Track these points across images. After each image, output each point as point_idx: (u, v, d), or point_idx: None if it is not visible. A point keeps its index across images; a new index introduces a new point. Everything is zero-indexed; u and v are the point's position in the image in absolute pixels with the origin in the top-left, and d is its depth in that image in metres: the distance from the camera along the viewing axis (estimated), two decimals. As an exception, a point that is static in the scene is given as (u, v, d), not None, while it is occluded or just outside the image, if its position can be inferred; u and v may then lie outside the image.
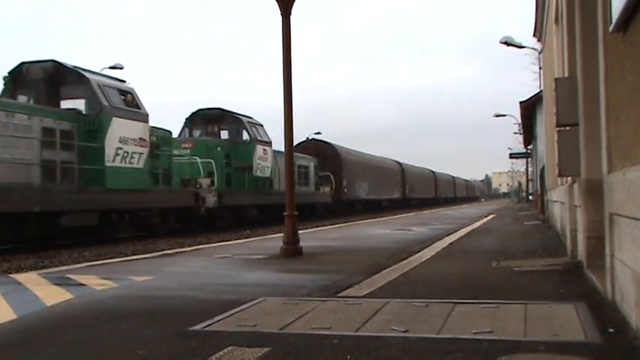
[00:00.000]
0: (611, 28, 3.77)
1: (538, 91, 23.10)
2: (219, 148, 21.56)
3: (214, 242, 13.67)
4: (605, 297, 4.60)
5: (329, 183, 32.21)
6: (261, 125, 24.44)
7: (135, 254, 11.26)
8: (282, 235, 9.40)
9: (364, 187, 38.80)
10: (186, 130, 23.38)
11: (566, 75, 7.69)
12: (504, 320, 4.01)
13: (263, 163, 23.57)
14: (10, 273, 8.47)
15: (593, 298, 4.71)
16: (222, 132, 23.72)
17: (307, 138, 39.15)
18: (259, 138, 23.61)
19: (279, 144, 31.74)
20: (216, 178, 19.76)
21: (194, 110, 23.55)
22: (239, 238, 14.85)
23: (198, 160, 19.45)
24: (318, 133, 49.70)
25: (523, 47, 27.42)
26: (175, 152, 19.32)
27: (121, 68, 29.15)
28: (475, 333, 3.65)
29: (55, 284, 6.17)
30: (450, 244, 10.81)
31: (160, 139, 17.45)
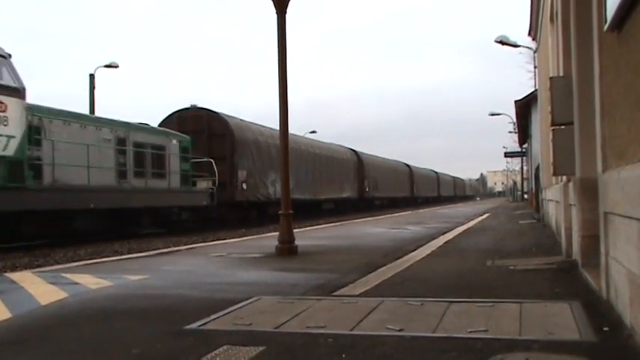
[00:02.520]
0: (605, 27, 3.77)
1: (533, 90, 23.15)
2: None
3: (210, 241, 13.69)
4: (600, 296, 4.61)
5: (211, 175, 20.59)
6: (4, 57, 12.59)
7: (130, 253, 11.25)
8: (277, 234, 9.40)
9: None
10: None
11: (561, 74, 7.71)
12: (499, 319, 4.02)
13: None
14: (5, 272, 8.46)
15: (587, 297, 4.72)
16: None
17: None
18: None
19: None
20: None
21: None
22: (235, 237, 14.86)
23: None
24: (314, 132, 49.62)
25: (518, 46, 27.52)
26: None
27: (116, 67, 29.16)
28: (470, 332, 3.66)
29: (50, 283, 6.16)
30: (446, 242, 10.82)
31: None
